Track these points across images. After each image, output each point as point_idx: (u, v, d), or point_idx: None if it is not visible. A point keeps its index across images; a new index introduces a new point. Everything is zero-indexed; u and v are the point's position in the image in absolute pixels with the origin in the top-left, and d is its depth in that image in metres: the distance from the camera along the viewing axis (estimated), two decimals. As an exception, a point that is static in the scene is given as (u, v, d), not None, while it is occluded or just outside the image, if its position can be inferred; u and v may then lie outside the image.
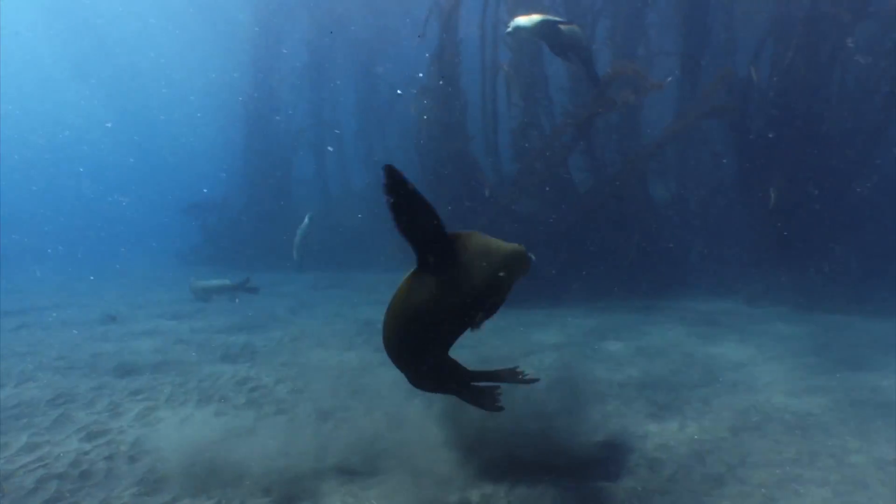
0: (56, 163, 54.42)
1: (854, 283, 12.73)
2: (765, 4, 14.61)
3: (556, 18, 8.72)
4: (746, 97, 14.24)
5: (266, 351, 9.94)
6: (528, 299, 12.70)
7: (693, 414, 6.57)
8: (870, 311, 11.78)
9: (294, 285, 17.74)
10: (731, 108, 13.19)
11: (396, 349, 3.90)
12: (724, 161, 15.82)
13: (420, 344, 3.79)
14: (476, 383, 4.43)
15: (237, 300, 14.49)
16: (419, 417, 6.27)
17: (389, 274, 18.30)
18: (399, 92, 20.63)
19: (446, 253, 3.60)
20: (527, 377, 4.48)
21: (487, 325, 3.97)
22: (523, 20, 8.59)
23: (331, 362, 9.00)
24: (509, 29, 8.72)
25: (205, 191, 25.18)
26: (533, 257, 3.94)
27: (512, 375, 4.51)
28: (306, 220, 16.45)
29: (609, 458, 5.37)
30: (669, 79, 12.80)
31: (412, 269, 3.79)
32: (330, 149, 17.06)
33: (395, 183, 3.31)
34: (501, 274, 3.68)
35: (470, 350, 8.33)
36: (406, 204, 3.38)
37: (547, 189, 14.49)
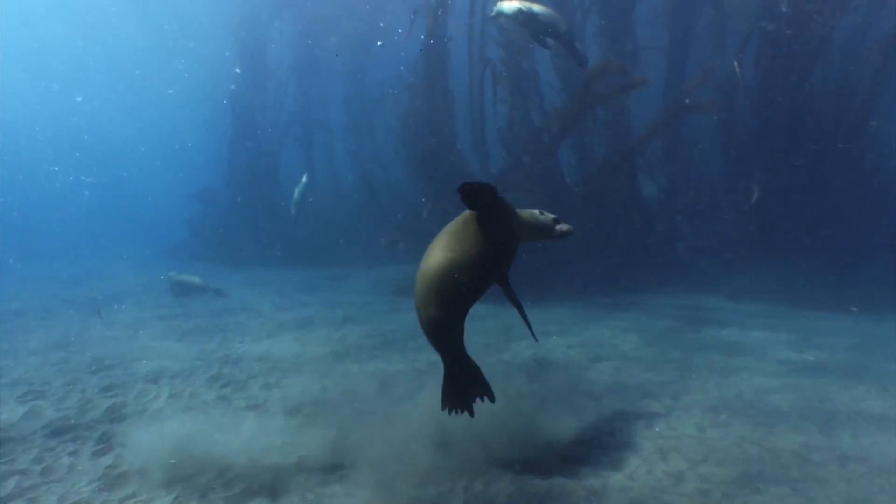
0: (38, 161, 54.20)
1: (835, 280, 12.75)
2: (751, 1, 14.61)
3: (535, 5, 8.81)
4: (731, 93, 14.27)
5: (241, 348, 9.90)
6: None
7: (663, 411, 6.58)
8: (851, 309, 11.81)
9: (277, 284, 17.69)
10: (713, 103, 13.17)
11: (443, 290, 3.95)
12: (711, 156, 15.87)
13: (466, 285, 3.98)
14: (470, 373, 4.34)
15: (224, 296, 14.53)
16: (388, 415, 6.26)
17: (375, 271, 18.35)
18: (391, 91, 20.62)
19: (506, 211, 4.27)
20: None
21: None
22: (504, 5, 8.83)
23: (305, 357, 8.97)
24: (493, 13, 8.99)
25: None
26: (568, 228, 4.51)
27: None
28: (304, 178, 16.89)
29: (571, 456, 5.35)
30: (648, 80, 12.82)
31: (454, 228, 4.18)
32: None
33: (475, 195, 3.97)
34: (547, 220, 4.44)
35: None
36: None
37: (534, 183, 14.46)
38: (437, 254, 4.02)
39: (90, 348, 9.85)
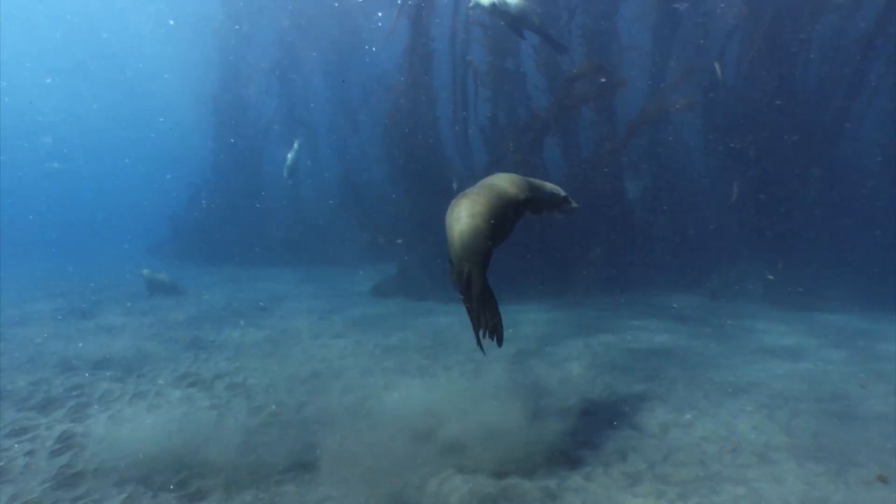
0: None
1: (812, 278, 12.82)
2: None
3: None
4: (713, 92, 14.31)
5: (212, 349, 9.81)
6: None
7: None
8: (832, 307, 11.89)
9: (269, 282, 17.61)
10: (692, 103, 13.19)
11: (472, 247, 4.21)
12: (696, 155, 15.88)
13: (498, 226, 4.41)
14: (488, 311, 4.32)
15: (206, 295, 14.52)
16: (348, 414, 6.24)
17: (355, 270, 18.30)
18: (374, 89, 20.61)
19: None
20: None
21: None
22: None
23: (275, 359, 8.90)
24: (470, 4, 9.13)
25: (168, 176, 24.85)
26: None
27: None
28: (295, 145, 17.20)
29: (527, 456, 5.32)
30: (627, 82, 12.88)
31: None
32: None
33: None
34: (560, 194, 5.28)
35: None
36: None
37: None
38: (464, 219, 4.26)
39: (62, 347, 9.75)
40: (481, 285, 4.20)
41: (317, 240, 20.49)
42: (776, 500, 4.74)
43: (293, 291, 15.50)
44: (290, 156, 17.10)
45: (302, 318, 11.96)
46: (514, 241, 5.26)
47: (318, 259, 20.02)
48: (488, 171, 14.47)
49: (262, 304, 13.48)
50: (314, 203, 21.41)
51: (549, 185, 5.30)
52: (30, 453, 5.72)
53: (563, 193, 5.32)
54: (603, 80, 13.58)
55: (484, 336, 4.27)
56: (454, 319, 11.23)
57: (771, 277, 11.89)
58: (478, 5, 9.02)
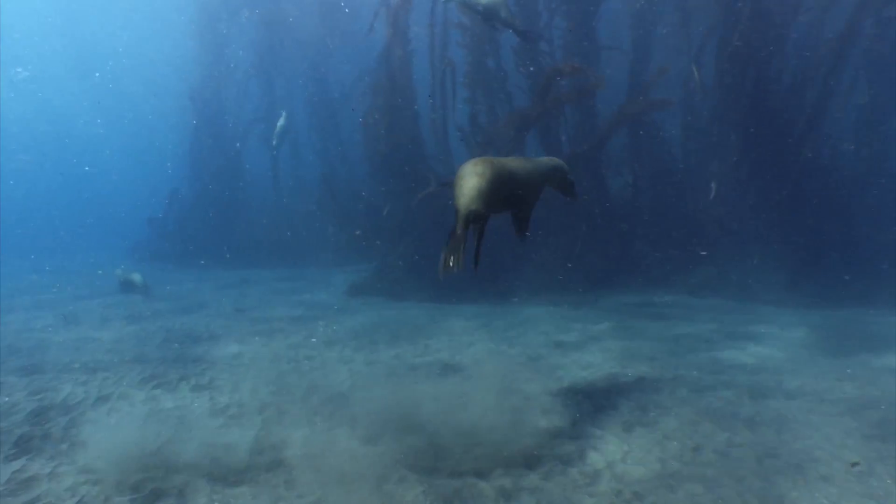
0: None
1: (790, 275, 12.91)
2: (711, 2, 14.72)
3: None
4: (691, 91, 14.39)
5: (181, 350, 9.73)
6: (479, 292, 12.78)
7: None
8: (808, 304, 11.98)
9: (246, 283, 17.49)
10: (668, 102, 13.24)
11: (479, 185, 4.90)
12: (676, 153, 15.93)
13: (496, 189, 4.98)
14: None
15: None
16: (307, 415, 6.19)
17: (334, 270, 18.22)
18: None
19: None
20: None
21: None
22: None
23: (243, 360, 8.83)
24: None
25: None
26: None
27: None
28: (282, 118, 18.98)
29: (485, 456, 5.29)
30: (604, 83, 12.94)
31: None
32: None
33: None
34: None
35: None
36: None
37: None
38: (468, 176, 4.95)
39: (27, 351, 9.62)
40: (463, 227, 4.81)
41: (296, 240, 20.39)
42: (734, 496, 4.74)
43: (271, 292, 15.42)
44: (279, 123, 18.90)
45: (277, 319, 11.88)
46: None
47: (299, 259, 19.91)
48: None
49: (238, 306, 13.39)
50: (294, 203, 21.31)
51: (547, 159, 6.11)
52: (-20, 458, 5.63)
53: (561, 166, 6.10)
54: (581, 80, 13.62)
55: (445, 266, 4.76)
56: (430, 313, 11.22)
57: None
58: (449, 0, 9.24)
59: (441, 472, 5.02)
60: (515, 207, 5.48)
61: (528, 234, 5.65)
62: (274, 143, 19.24)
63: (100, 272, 15.69)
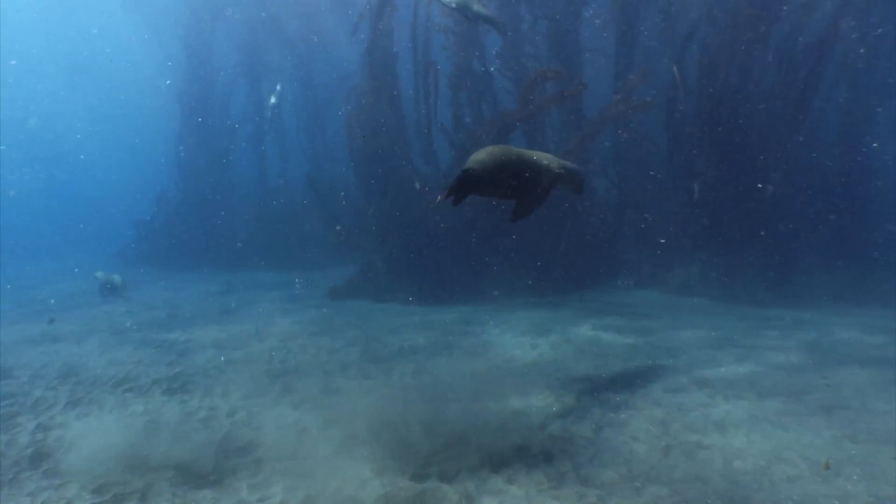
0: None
1: (771, 275, 12.97)
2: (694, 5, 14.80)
3: None
4: (673, 93, 14.44)
5: (158, 353, 9.65)
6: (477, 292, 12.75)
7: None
8: (788, 303, 12.08)
9: (230, 285, 17.40)
10: (649, 104, 13.27)
11: (480, 163, 5.22)
12: (660, 154, 15.99)
13: (494, 170, 5.25)
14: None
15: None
16: (278, 418, 6.14)
17: (321, 271, 18.16)
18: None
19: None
20: None
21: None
22: None
23: (216, 362, 8.77)
24: None
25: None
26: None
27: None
28: (277, 88, 20.02)
29: (450, 458, 5.27)
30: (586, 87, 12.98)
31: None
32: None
33: None
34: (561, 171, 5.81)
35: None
36: None
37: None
38: (475, 156, 5.28)
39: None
40: (457, 180, 5.14)
41: (282, 242, 20.31)
42: (697, 499, 4.73)
43: (254, 294, 15.35)
44: (273, 97, 20.00)
45: (257, 321, 11.82)
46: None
47: (285, 261, 19.84)
48: (451, 169, 14.56)
49: (221, 308, 13.32)
50: (280, 204, 21.23)
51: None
52: (-53, 463, 5.56)
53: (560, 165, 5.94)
54: (563, 84, 13.65)
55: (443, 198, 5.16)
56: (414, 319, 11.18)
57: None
58: None
59: (406, 475, 5.00)
60: (518, 191, 5.55)
61: (521, 218, 5.68)
62: (269, 115, 20.23)
63: (76, 270, 15.48)
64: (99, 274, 14.89)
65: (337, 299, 14.09)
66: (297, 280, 17.08)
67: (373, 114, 15.39)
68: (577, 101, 14.94)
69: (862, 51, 13.78)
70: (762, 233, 13.37)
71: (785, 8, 13.11)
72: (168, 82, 23.20)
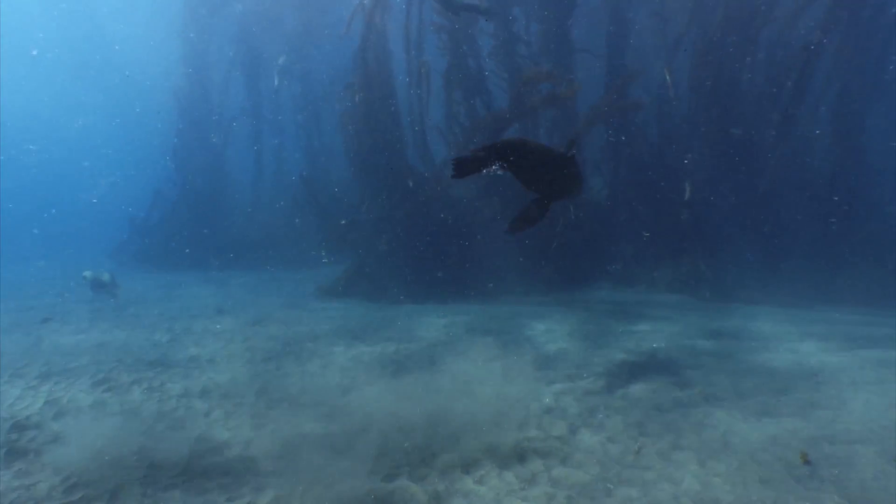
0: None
1: (757, 275, 12.97)
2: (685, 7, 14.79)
3: None
4: (665, 94, 14.44)
5: (132, 356, 9.61)
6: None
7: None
8: (776, 302, 12.05)
9: (221, 284, 17.40)
10: (638, 104, 13.27)
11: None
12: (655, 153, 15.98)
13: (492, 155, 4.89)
14: None
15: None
16: (251, 419, 6.12)
17: (314, 270, 18.15)
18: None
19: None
20: None
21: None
22: None
23: (196, 362, 8.74)
24: None
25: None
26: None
27: None
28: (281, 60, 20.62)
29: (423, 460, 5.25)
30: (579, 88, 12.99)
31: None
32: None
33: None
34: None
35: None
36: None
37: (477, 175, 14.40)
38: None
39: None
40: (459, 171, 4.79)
41: (276, 241, 20.29)
42: (668, 500, 4.71)
43: (247, 292, 15.33)
44: (279, 61, 20.97)
45: (248, 318, 11.81)
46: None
47: (280, 259, 19.82)
48: (447, 167, 14.56)
49: (214, 307, 13.28)
50: (275, 204, 21.22)
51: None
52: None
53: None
54: (554, 85, 13.63)
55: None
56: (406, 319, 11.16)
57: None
58: None
59: (381, 473, 4.99)
60: (543, 183, 5.20)
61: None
62: (276, 83, 20.61)
63: (70, 269, 15.40)
64: (87, 273, 14.79)
65: (329, 296, 14.07)
66: (292, 277, 17.08)
67: (367, 111, 15.37)
68: (570, 101, 14.94)
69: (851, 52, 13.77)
70: (756, 232, 13.40)
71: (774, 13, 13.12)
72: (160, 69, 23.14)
